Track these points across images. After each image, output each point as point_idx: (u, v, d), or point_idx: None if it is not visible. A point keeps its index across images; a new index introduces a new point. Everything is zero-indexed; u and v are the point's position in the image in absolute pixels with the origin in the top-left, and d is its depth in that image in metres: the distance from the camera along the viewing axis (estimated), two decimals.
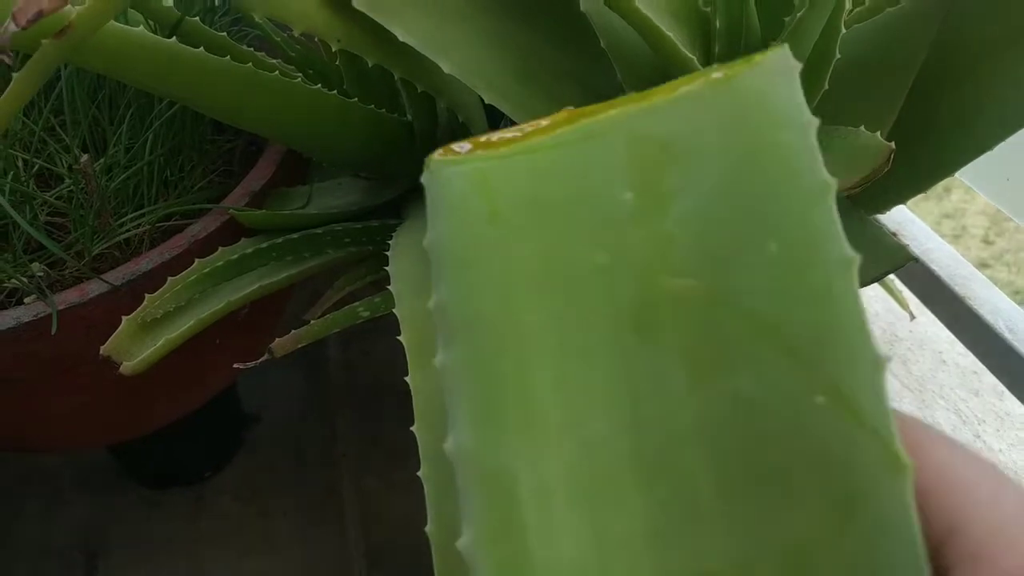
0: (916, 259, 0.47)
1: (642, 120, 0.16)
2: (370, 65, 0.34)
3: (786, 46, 0.16)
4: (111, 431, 0.45)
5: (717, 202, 0.15)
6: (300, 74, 0.39)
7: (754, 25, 0.31)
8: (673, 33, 0.29)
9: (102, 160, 0.39)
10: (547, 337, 0.15)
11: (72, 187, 0.38)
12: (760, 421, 0.14)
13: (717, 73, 0.16)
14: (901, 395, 0.57)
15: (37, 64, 0.26)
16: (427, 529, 0.26)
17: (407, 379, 0.29)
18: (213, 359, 0.42)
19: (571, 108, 0.16)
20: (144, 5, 0.35)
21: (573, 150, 0.16)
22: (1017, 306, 0.45)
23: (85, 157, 0.34)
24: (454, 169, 0.16)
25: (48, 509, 0.55)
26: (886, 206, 0.35)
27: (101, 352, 0.33)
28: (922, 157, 0.32)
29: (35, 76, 0.27)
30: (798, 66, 0.15)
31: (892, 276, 0.49)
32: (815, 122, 0.15)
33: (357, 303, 0.37)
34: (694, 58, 0.30)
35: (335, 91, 0.35)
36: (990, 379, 0.57)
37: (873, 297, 0.61)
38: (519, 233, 0.15)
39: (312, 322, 0.36)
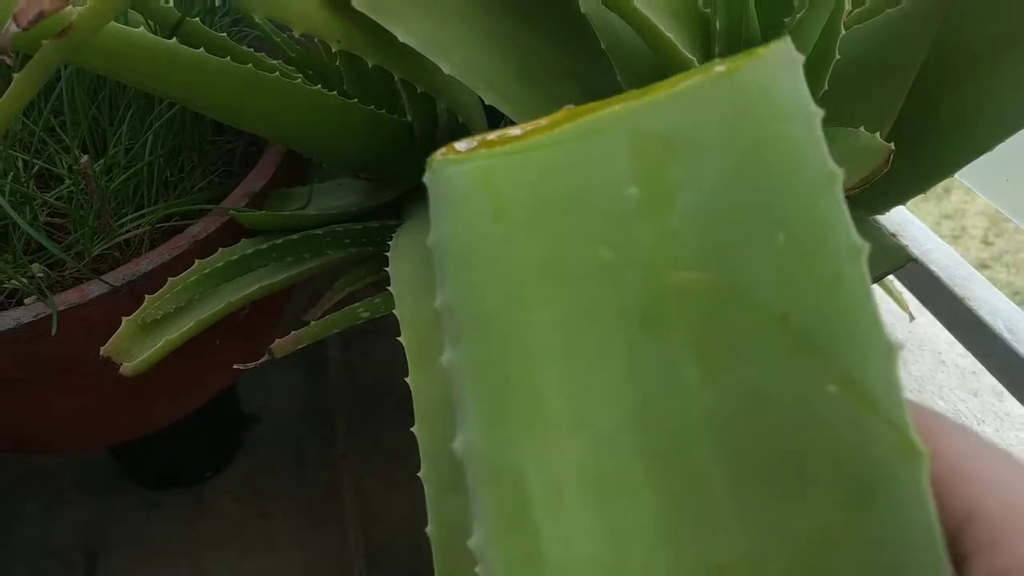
0: (915, 260, 0.47)
1: (644, 115, 0.16)
2: (370, 66, 0.34)
3: (788, 38, 0.15)
4: (111, 432, 0.45)
5: (722, 195, 0.15)
6: (300, 75, 0.39)
7: (754, 26, 0.31)
8: (673, 34, 0.29)
9: (102, 161, 0.39)
10: (554, 334, 0.15)
11: (72, 188, 0.38)
12: (772, 412, 0.14)
13: (719, 67, 0.16)
14: None
15: (38, 65, 0.26)
16: (428, 529, 0.26)
17: (407, 380, 0.29)
18: (213, 360, 0.42)
19: (571, 107, 0.16)
20: (144, 6, 0.35)
21: (576, 146, 0.16)
22: (1016, 307, 0.45)
23: (85, 158, 0.34)
24: (457, 168, 0.16)
25: (48, 509, 0.55)
26: (886, 207, 0.35)
27: (101, 353, 0.33)
28: (922, 158, 0.32)
29: (36, 77, 0.27)
30: (801, 58, 0.15)
31: (891, 277, 0.49)
32: (820, 113, 0.15)
33: (357, 304, 0.37)
34: (694, 59, 0.30)
35: (335, 92, 0.35)
36: (989, 380, 0.57)
37: None
38: (524, 230, 0.15)
39: (312, 323, 0.36)
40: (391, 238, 0.37)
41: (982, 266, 1.11)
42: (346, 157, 0.40)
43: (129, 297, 0.34)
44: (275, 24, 0.40)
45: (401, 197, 0.41)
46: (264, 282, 0.37)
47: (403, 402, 0.29)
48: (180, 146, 0.41)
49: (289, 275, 0.38)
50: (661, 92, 0.16)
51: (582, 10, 0.31)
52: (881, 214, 0.36)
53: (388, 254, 0.35)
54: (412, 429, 0.28)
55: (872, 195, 0.29)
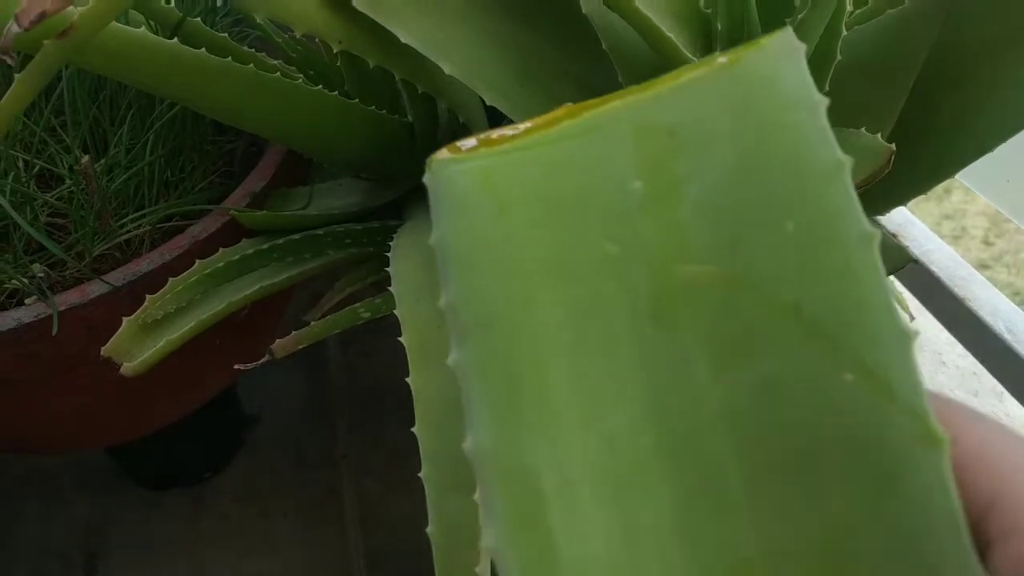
0: (916, 260, 0.47)
1: (647, 109, 0.16)
2: (371, 66, 0.34)
3: (789, 28, 0.15)
4: (112, 432, 0.45)
5: (729, 186, 0.15)
6: (301, 75, 0.39)
7: (755, 26, 0.31)
8: (674, 34, 0.29)
9: (103, 161, 0.39)
10: (562, 331, 0.15)
11: (73, 188, 0.38)
12: (787, 404, 0.14)
13: (722, 58, 0.15)
14: None
15: (39, 65, 0.26)
16: (428, 530, 0.26)
17: (408, 380, 0.29)
18: (213, 360, 0.42)
19: (570, 104, 0.16)
20: (146, 6, 0.35)
21: (578, 142, 0.16)
22: (1017, 307, 0.45)
23: (86, 158, 0.34)
24: (457, 168, 0.16)
25: (48, 509, 0.55)
26: (887, 207, 0.36)
27: (102, 353, 0.33)
28: (923, 158, 0.32)
29: (37, 77, 0.27)
30: (803, 47, 0.15)
31: (892, 277, 0.49)
32: (824, 101, 0.15)
33: (358, 304, 0.37)
34: (695, 60, 0.30)
35: (336, 92, 0.35)
36: (989, 380, 0.57)
37: None
38: (528, 228, 0.15)
39: (313, 323, 0.36)
40: (392, 238, 0.37)
41: (982, 266, 1.11)
42: (347, 157, 0.40)
43: (130, 297, 0.34)
44: (276, 24, 0.40)
45: (402, 197, 0.41)
46: (265, 282, 0.37)
47: (403, 402, 0.29)
48: (181, 146, 0.41)
49: (290, 275, 0.38)
50: (664, 85, 0.16)
51: (583, 10, 0.32)
52: (882, 215, 0.36)
53: (389, 254, 0.35)
54: (413, 429, 0.28)
55: (873, 196, 0.29)
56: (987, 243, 1.15)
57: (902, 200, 0.36)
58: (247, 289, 0.36)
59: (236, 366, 0.35)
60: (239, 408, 0.59)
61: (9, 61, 0.25)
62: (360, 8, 0.30)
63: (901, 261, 0.34)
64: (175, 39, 0.31)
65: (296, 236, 0.38)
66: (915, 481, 0.13)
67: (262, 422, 0.59)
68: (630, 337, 0.15)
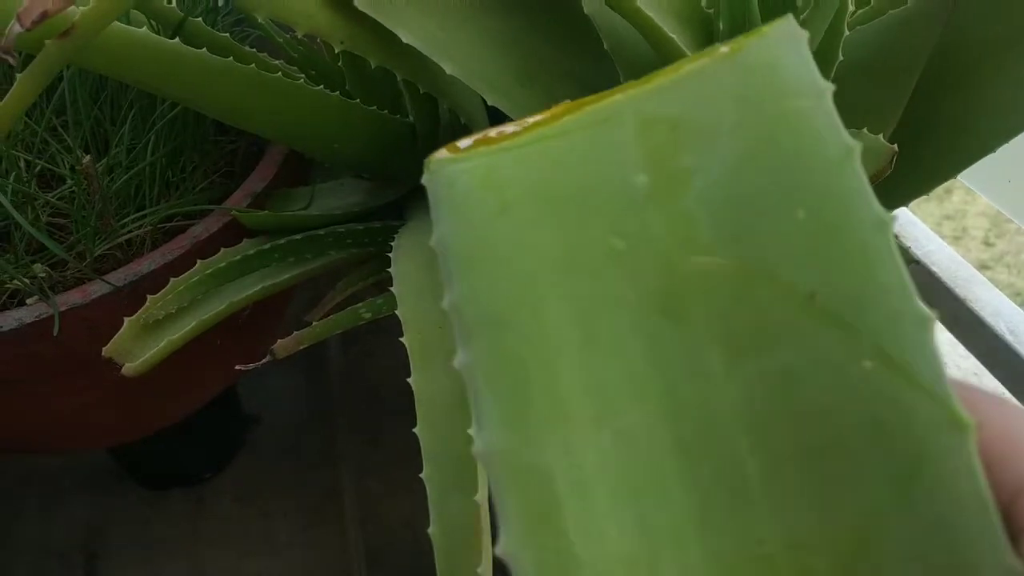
0: (917, 261, 0.47)
1: (650, 101, 0.15)
2: (373, 66, 0.34)
3: (790, 16, 0.15)
4: (112, 432, 0.45)
5: (737, 177, 0.15)
6: (303, 75, 0.39)
7: (757, 26, 0.31)
8: (676, 35, 0.29)
9: (104, 161, 0.39)
10: (571, 329, 0.14)
11: (74, 188, 0.38)
12: (805, 394, 0.14)
13: (723, 48, 0.15)
14: None
15: (41, 65, 0.26)
16: (430, 530, 0.26)
17: (410, 380, 0.29)
18: (215, 360, 0.42)
19: (569, 101, 0.16)
20: (147, 6, 0.35)
21: (580, 137, 0.15)
22: (1018, 308, 0.45)
23: (87, 158, 0.34)
24: (456, 167, 0.15)
25: (48, 509, 0.55)
26: (888, 208, 0.35)
27: (103, 353, 0.33)
28: (925, 159, 0.32)
29: (39, 77, 0.27)
30: (805, 34, 0.15)
31: None
32: (831, 88, 0.15)
33: (359, 304, 0.37)
34: None
35: (337, 92, 0.35)
36: (991, 381, 0.57)
37: None
38: (531, 225, 0.15)
39: (314, 323, 0.36)
40: (393, 238, 0.37)
41: (983, 267, 1.11)
42: (348, 157, 0.40)
43: (131, 297, 0.34)
44: (277, 24, 0.40)
45: (403, 197, 0.41)
46: (266, 282, 0.37)
47: (404, 403, 0.29)
48: (182, 146, 0.41)
49: (291, 275, 0.38)
50: (665, 77, 0.16)
51: (585, 11, 0.31)
52: None
53: (390, 255, 0.35)
54: (414, 430, 0.28)
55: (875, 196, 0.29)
56: (988, 244, 1.15)
57: (904, 201, 0.36)
58: (248, 289, 0.36)
59: (237, 366, 0.35)
60: (240, 408, 0.59)
61: (11, 61, 0.25)
62: (362, 8, 0.30)
63: None
64: (176, 39, 0.31)
65: (297, 236, 0.38)
66: (942, 466, 0.13)
67: (263, 422, 0.59)
68: (640, 332, 0.15)
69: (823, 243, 0.14)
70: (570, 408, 0.14)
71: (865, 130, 0.28)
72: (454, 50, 0.31)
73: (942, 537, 0.13)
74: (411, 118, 0.39)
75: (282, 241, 0.38)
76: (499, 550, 0.13)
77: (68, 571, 0.52)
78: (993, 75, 0.31)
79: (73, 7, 0.25)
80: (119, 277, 0.34)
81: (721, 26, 0.31)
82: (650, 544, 0.14)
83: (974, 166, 0.32)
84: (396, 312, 0.32)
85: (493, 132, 0.16)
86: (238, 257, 0.36)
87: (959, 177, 0.36)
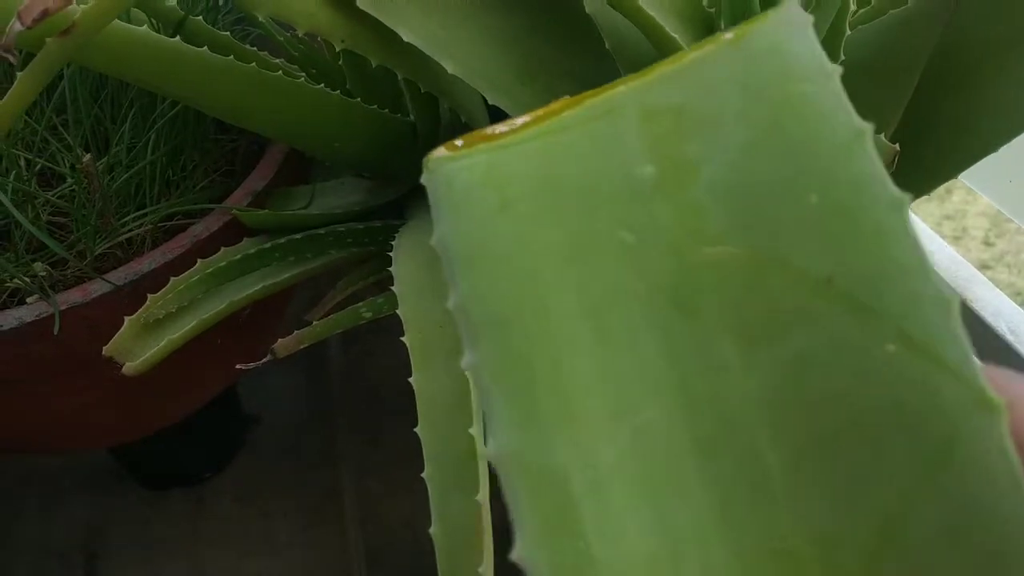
0: None
1: (652, 91, 0.15)
2: (374, 65, 0.34)
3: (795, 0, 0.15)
4: (113, 432, 0.45)
5: (746, 164, 0.14)
6: (303, 74, 0.39)
7: None
8: (678, 34, 0.29)
9: (104, 159, 0.39)
10: (580, 325, 0.14)
11: (74, 186, 0.38)
12: (825, 382, 0.13)
13: (727, 35, 0.15)
14: None
15: (41, 63, 0.26)
16: (431, 531, 0.26)
17: (411, 380, 0.29)
18: (215, 359, 0.42)
19: (567, 97, 0.16)
20: (148, 4, 0.35)
21: (582, 130, 0.15)
22: (1019, 308, 0.44)
23: (87, 156, 0.34)
24: (456, 164, 0.15)
25: (48, 509, 0.55)
26: None
27: (104, 352, 0.33)
28: (926, 159, 0.32)
29: (39, 75, 0.26)
30: (810, 18, 0.15)
31: None
32: (838, 70, 0.14)
33: (360, 304, 0.37)
34: None
35: (338, 91, 0.35)
36: None
37: None
38: (534, 221, 0.15)
39: (315, 323, 0.36)
40: (394, 238, 0.37)
41: (983, 267, 1.11)
42: (349, 156, 0.40)
43: (131, 296, 0.34)
44: (278, 23, 0.40)
45: (404, 196, 0.41)
46: (267, 281, 0.37)
47: (405, 402, 0.29)
48: (182, 145, 0.41)
49: (292, 274, 0.37)
50: (668, 67, 0.15)
51: (587, 10, 0.31)
52: None
53: (391, 254, 0.35)
54: (415, 430, 0.28)
55: None
56: (988, 243, 1.15)
57: None
58: (249, 288, 0.36)
59: (238, 366, 0.35)
60: (240, 408, 0.59)
61: (11, 59, 0.25)
62: (363, 7, 0.30)
63: None
64: (177, 37, 0.30)
65: (298, 235, 0.38)
66: (972, 448, 0.13)
67: (263, 422, 0.59)
68: (653, 326, 0.14)
69: (838, 226, 0.14)
70: (582, 406, 0.14)
71: None
72: (455, 49, 0.31)
73: (975, 519, 0.13)
74: (412, 117, 0.39)
75: (282, 240, 0.38)
76: (515, 555, 0.13)
77: (68, 571, 0.52)
78: (995, 75, 0.31)
79: (74, 5, 0.25)
80: (119, 276, 0.34)
81: (723, 25, 0.31)
82: (671, 543, 0.13)
83: (975, 166, 0.32)
84: (397, 311, 0.32)
85: (490, 130, 0.15)
86: (238, 256, 0.36)
87: (960, 177, 0.36)
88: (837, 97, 0.14)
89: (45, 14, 0.24)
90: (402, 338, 0.31)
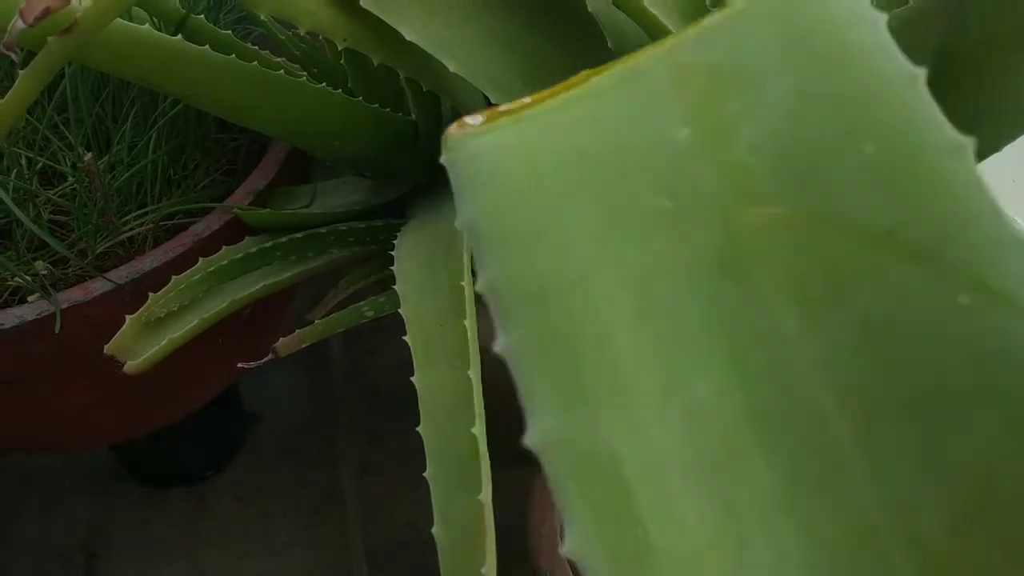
0: None
1: (683, 51, 0.14)
2: (375, 64, 0.34)
3: None
4: (113, 430, 0.45)
5: (791, 118, 0.14)
6: (305, 73, 0.39)
7: None
8: None
9: (106, 158, 0.39)
10: (623, 298, 0.13)
11: (76, 185, 0.38)
12: (895, 342, 0.13)
13: None
14: None
15: (43, 61, 0.26)
16: (433, 530, 0.26)
17: (413, 379, 0.29)
18: (216, 358, 0.42)
19: (587, 70, 0.15)
20: (149, 3, 0.35)
21: (612, 96, 0.14)
22: None
23: (89, 155, 0.34)
24: (480, 140, 0.14)
25: (48, 509, 0.55)
26: None
27: (105, 351, 0.33)
28: None
29: (41, 74, 0.26)
30: None
31: None
32: (884, 17, 0.14)
33: (361, 303, 0.37)
34: None
35: (340, 90, 0.35)
36: None
37: None
38: (568, 193, 0.14)
39: (316, 322, 0.36)
40: (396, 237, 0.37)
41: None
42: (350, 155, 0.40)
43: (133, 295, 0.34)
44: (280, 22, 0.40)
45: (406, 195, 0.41)
46: (268, 280, 0.37)
47: (406, 402, 0.29)
48: (184, 144, 0.41)
49: (293, 273, 0.37)
50: (700, 25, 0.15)
51: (589, 9, 0.31)
52: None
53: (393, 253, 0.35)
54: (417, 429, 0.28)
55: None
56: None
57: None
58: (251, 287, 0.36)
59: (239, 364, 0.35)
60: (241, 407, 0.59)
61: (13, 57, 0.25)
62: (365, 6, 0.30)
63: None
64: (179, 36, 0.30)
65: (299, 234, 0.38)
66: None
67: (264, 421, 0.59)
68: (699, 295, 0.13)
69: (897, 176, 0.13)
70: (632, 384, 0.13)
71: None
72: (457, 48, 0.31)
73: None
74: (413, 116, 0.39)
75: (284, 239, 0.37)
76: (565, 550, 0.12)
77: (68, 571, 0.52)
78: (997, 74, 0.31)
79: (75, 3, 0.25)
80: (121, 275, 0.34)
81: None
82: (734, 525, 0.12)
83: (977, 166, 0.32)
84: (399, 310, 0.32)
85: (504, 107, 0.15)
86: (240, 255, 0.36)
87: None
88: (887, 42, 0.13)
89: (47, 12, 0.24)
90: (404, 337, 0.31)
